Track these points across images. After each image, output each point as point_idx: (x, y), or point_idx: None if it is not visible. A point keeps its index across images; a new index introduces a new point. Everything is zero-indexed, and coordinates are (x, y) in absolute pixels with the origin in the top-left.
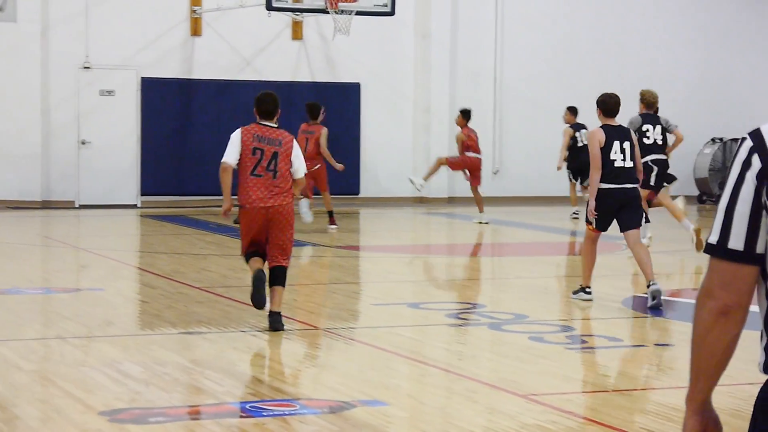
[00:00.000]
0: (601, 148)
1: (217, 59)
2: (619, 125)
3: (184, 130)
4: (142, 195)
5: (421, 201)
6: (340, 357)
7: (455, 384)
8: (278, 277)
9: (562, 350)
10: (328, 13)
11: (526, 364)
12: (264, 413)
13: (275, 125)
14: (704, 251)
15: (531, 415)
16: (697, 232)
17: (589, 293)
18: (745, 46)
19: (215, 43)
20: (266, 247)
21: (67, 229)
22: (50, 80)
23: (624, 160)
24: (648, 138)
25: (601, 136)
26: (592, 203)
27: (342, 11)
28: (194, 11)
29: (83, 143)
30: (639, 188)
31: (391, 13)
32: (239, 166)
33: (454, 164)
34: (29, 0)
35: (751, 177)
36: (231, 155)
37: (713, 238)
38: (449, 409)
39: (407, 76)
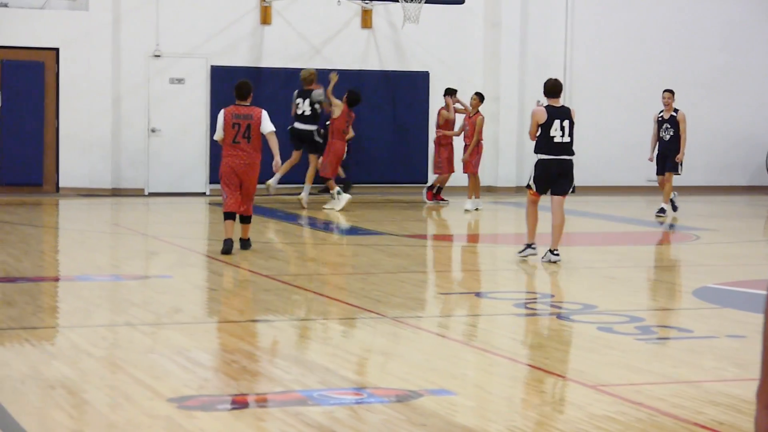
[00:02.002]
0: (542, 125)
1: (286, 48)
2: (562, 105)
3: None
4: (211, 183)
5: (488, 190)
6: (408, 346)
7: (522, 374)
8: (245, 219)
9: (631, 341)
10: (397, 1)
11: (594, 354)
12: (331, 401)
13: (247, 104)
14: None
15: (600, 405)
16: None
17: (534, 249)
18: None
19: (285, 31)
20: (239, 196)
21: (137, 217)
22: (121, 68)
23: (563, 136)
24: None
25: (542, 116)
26: (536, 172)
27: (411, 0)
28: (264, 0)
29: (153, 131)
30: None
31: (461, 2)
32: (224, 138)
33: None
34: None
35: None
36: (218, 133)
37: None
38: (516, 399)
39: (476, 65)
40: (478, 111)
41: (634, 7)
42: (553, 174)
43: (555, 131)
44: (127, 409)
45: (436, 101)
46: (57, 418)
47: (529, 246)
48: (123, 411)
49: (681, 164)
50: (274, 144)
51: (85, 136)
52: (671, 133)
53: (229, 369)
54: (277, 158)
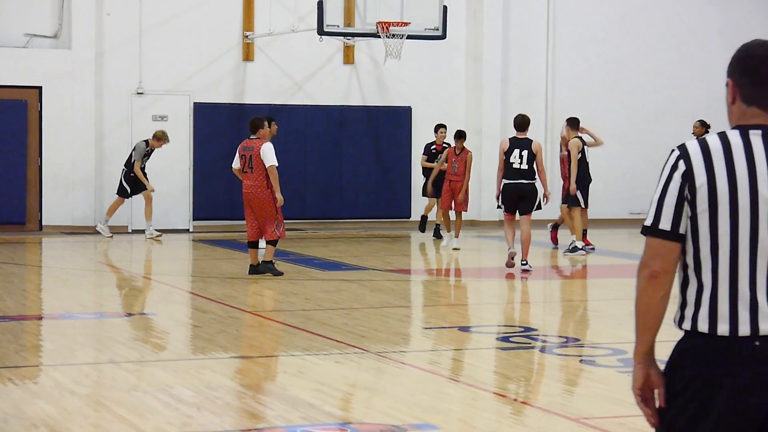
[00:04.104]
0: (505, 152)
1: (269, 84)
2: (525, 137)
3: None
4: (195, 219)
5: (472, 224)
6: (392, 381)
7: (506, 408)
8: (269, 242)
9: (614, 373)
10: (379, 37)
11: (578, 387)
12: None
13: (256, 137)
14: (641, 232)
15: None
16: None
17: (513, 251)
18: None
19: (267, 67)
20: (255, 224)
21: (120, 254)
22: (104, 106)
23: (521, 163)
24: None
25: (505, 145)
26: (497, 191)
27: (393, 35)
28: (246, 36)
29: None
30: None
31: (443, 37)
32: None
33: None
34: (84, 26)
35: (677, 176)
36: (234, 162)
37: (648, 222)
38: None
39: (458, 99)
40: (464, 148)
41: (615, 38)
42: (514, 195)
43: (514, 159)
44: None
45: (418, 136)
46: None
47: (510, 249)
48: None
49: (578, 196)
50: (272, 177)
51: (68, 173)
52: None
53: (213, 406)
54: (277, 194)
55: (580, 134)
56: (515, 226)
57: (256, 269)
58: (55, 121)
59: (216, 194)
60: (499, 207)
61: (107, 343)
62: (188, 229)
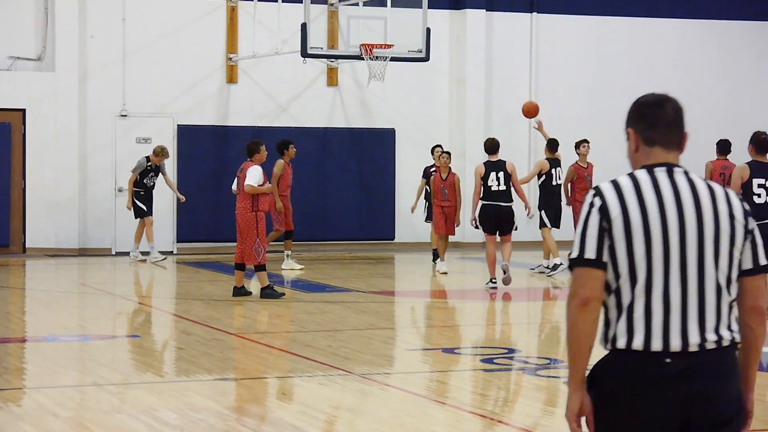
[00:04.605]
0: (482, 177)
1: (252, 106)
2: (498, 160)
3: (220, 176)
4: (178, 242)
5: (455, 246)
6: (376, 403)
7: (489, 429)
8: (255, 268)
9: None
10: (363, 59)
11: (561, 408)
12: None
13: (249, 160)
14: (568, 266)
15: None
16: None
17: (495, 283)
18: (764, 89)
19: (251, 90)
20: (241, 245)
21: (104, 277)
22: (87, 128)
23: (498, 185)
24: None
25: (481, 170)
26: (473, 215)
27: (377, 57)
28: (230, 59)
29: (120, 191)
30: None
31: (426, 59)
32: None
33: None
34: (67, 49)
35: (595, 212)
36: (233, 184)
37: (575, 254)
38: None
39: (442, 121)
40: (450, 171)
41: (597, 61)
42: (492, 216)
43: (492, 182)
44: None
45: (402, 157)
46: None
47: (491, 281)
48: None
49: (543, 216)
50: (254, 192)
51: (51, 196)
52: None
53: (197, 428)
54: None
55: (557, 156)
56: (496, 247)
57: (240, 291)
58: (38, 144)
59: (200, 216)
60: (477, 228)
61: (90, 366)
62: (172, 251)
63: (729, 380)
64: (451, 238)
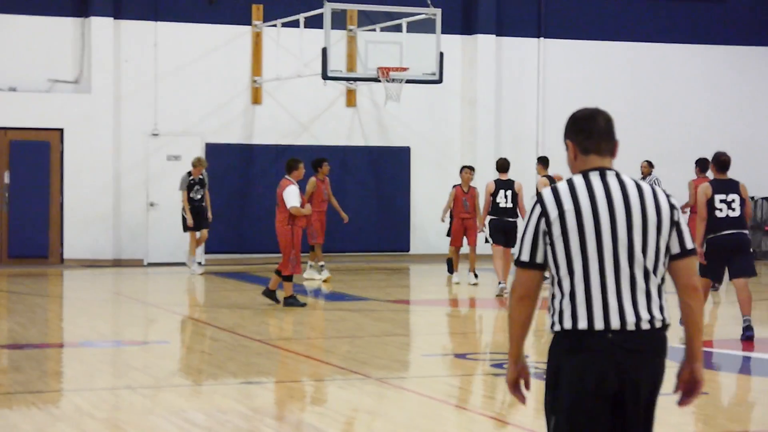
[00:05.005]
0: (491, 193)
1: (276, 125)
2: (507, 179)
3: (245, 191)
4: (207, 253)
5: (467, 257)
6: (392, 406)
7: (500, 431)
8: (283, 278)
9: None
10: (379, 81)
11: None
12: None
13: (287, 177)
14: (513, 264)
15: None
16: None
17: (503, 284)
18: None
19: (274, 110)
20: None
21: (136, 286)
22: (121, 147)
23: (506, 202)
24: None
25: (491, 187)
26: (481, 225)
27: (393, 80)
28: (255, 81)
29: (152, 205)
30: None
31: (439, 81)
32: None
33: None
34: (103, 73)
35: (534, 217)
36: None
37: (516, 256)
38: None
39: (454, 140)
40: (471, 185)
41: (604, 83)
42: (500, 231)
43: (500, 198)
44: None
45: (416, 174)
46: None
47: (500, 283)
48: None
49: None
50: (295, 213)
51: (87, 210)
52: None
53: (224, 429)
54: (306, 208)
55: (549, 174)
56: (503, 256)
57: (290, 301)
58: (75, 161)
59: (226, 229)
60: (487, 241)
61: (124, 370)
62: (200, 263)
63: (659, 358)
64: (464, 251)
